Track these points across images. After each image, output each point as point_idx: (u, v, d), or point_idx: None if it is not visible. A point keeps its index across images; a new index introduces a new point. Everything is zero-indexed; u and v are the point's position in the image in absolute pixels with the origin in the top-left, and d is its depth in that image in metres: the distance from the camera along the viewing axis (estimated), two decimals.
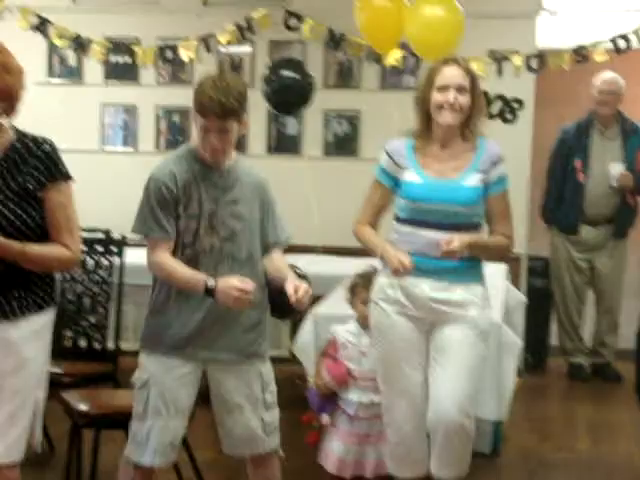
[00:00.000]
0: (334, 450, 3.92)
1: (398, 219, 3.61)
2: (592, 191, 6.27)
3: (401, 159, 3.59)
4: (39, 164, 2.97)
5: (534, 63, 6.49)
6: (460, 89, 3.48)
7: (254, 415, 3.44)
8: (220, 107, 3.21)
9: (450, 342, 3.53)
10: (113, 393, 4.39)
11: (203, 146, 3.30)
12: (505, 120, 6.57)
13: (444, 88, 3.48)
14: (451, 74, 3.50)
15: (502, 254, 3.72)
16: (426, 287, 3.52)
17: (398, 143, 3.62)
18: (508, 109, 6.56)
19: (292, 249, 6.23)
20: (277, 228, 3.51)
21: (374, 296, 3.63)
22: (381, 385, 3.66)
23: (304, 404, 4.09)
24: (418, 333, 3.58)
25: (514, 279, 5.99)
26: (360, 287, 3.91)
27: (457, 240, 3.40)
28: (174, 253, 3.32)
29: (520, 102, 6.56)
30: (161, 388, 3.34)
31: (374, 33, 5.78)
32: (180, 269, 3.29)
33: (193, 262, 3.30)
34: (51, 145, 3.01)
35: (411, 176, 3.56)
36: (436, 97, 3.49)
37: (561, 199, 6.39)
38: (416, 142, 3.59)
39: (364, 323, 3.84)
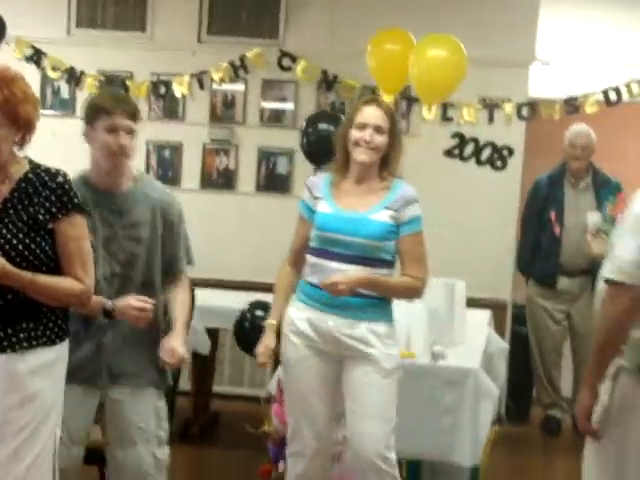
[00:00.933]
0: None
1: (308, 249, 3.68)
2: (568, 242, 6.22)
3: (317, 191, 3.68)
4: (51, 195, 2.95)
5: (525, 111, 6.53)
6: (378, 129, 3.58)
7: (146, 450, 3.40)
8: (127, 105, 3.34)
9: (357, 386, 3.59)
10: None
11: (107, 149, 3.26)
12: (494, 167, 6.58)
13: (362, 126, 3.59)
14: (370, 114, 3.60)
15: (409, 295, 3.73)
16: (331, 322, 3.58)
17: (318, 178, 3.78)
18: (498, 156, 6.58)
19: (249, 286, 6.27)
20: (184, 255, 3.51)
21: (285, 328, 3.68)
22: (287, 416, 3.71)
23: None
24: (328, 367, 3.63)
25: (498, 326, 5.96)
26: None
27: (344, 277, 3.46)
28: None
29: (510, 150, 6.58)
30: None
31: (384, 76, 5.81)
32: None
33: (96, 287, 3.16)
34: (64, 177, 2.99)
35: (323, 207, 3.65)
36: (354, 134, 3.60)
37: (537, 250, 6.35)
38: (335, 177, 3.68)
39: None
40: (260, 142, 6.84)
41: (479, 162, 6.56)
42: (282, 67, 6.71)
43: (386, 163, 3.65)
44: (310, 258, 3.67)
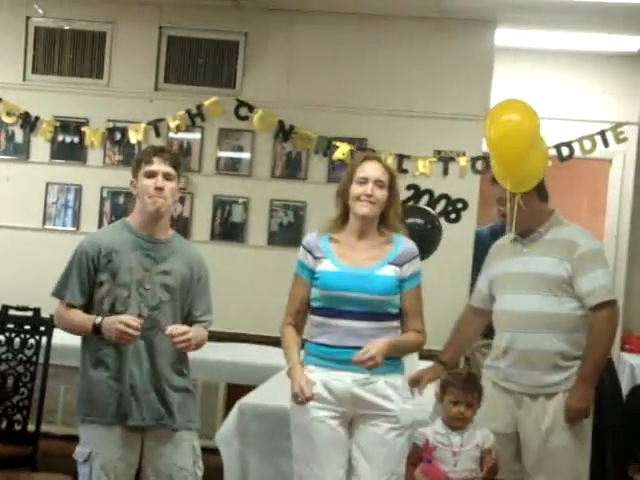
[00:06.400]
0: None
1: (313, 310, 3.64)
2: None
3: (318, 251, 3.66)
4: None
5: (479, 165, 6.59)
6: (379, 183, 3.60)
7: None
8: (164, 152, 3.62)
9: (373, 443, 3.54)
10: (30, 476, 4.31)
11: (146, 192, 3.50)
12: (448, 219, 6.63)
13: (363, 181, 3.60)
14: (371, 168, 3.63)
15: (416, 350, 3.81)
16: (348, 379, 3.52)
17: (315, 236, 3.71)
18: (452, 209, 6.63)
19: (230, 337, 6.25)
20: (204, 307, 3.67)
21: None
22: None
23: None
24: (339, 430, 3.55)
25: None
26: (453, 386, 3.82)
27: (373, 350, 3.41)
28: None
29: (464, 202, 6.64)
30: (103, 460, 3.41)
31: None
32: (75, 316, 3.48)
33: None
34: None
35: (327, 265, 3.62)
36: (355, 189, 3.61)
37: None
38: (333, 234, 3.67)
39: (452, 423, 3.78)
40: (216, 190, 6.83)
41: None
42: (239, 116, 6.73)
43: (385, 218, 3.66)
44: (316, 319, 3.62)
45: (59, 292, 3.53)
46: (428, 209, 6.54)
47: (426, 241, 6.06)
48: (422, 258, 3.74)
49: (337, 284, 3.56)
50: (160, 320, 3.49)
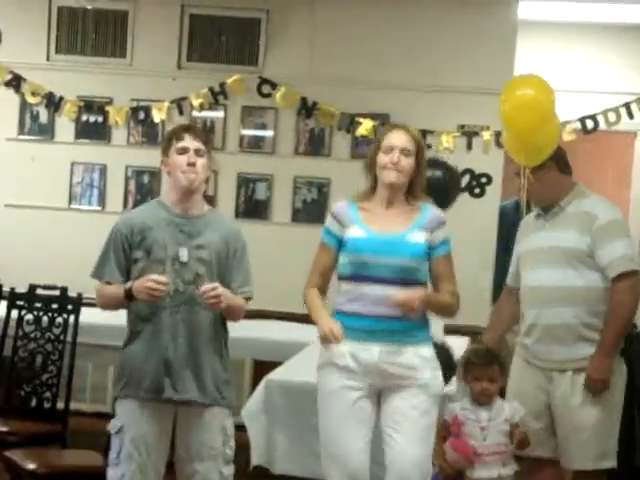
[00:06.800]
0: None
1: (341, 278, 3.63)
2: None
3: (346, 218, 3.65)
4: None
5: (503, 139, 6.55)
6: (405, 152, 3.59)
7: (214, 467, 3.54)
8: (194, 129, 3.70)
9: (403, 412, 3.52)
10: (60, 453, 4.34)
11: (179, 168, 3.54)
12: (473, 194, 6.62)
13: (389, 149, 3.60)
14: (397, 137, 3.63)
15: (450, 312, 3.73)
16: (376, 351, 3.52)
17: (342, 204, 3.70)
18: (476, 183, 6.61)
19: (255, 314, 6.27)
20: (242, 279, 3.67)
21: (320, 361, 3.61)
22: (321, 450, 3.61)
23: None
24: (364, 402, 3.55)
25: None
26: (473, 363, 3.88)
27: (412, 295, 3.44)
28: None
29: (488, 177, 6.62)
30: (134, 434, 3.47)
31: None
32: (110, 288, 3.54)
33: (157, 305, 3.47)
34: None
35: (356, 231, 3.61)
36: (382, 158, 3.60)
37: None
38: (361, 203, 3.67)
39: (478, 399, 3.82)
40: (239, 168, 6.85)
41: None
42: (262, 94, 6.73)
43: (412, 187, 3.66)
44: (345, 285, 3.61)
45: (98, 273, 3.58)
46: (447, 162, 6.44)
47: (444, 192, 6.00)
48: (443, 208, 3.76)
49: (367, 249, 3.55)
50: (196, 295, 3.49)
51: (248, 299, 3.69)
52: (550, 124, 4.05)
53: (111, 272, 3.54)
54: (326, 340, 3.48)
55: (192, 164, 3.53)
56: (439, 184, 6.09)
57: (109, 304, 3.60)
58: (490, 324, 4.35)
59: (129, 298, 3.47)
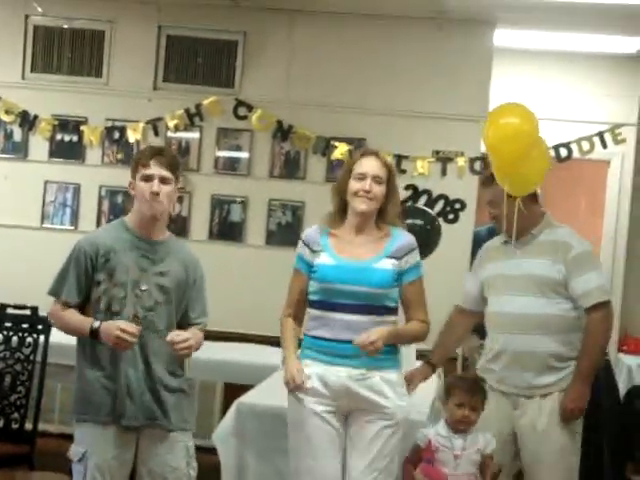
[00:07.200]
0: None
1: (310, 304, 3.65)
2: None
3: (315, 245, 3.67)
4: None
5: (478, 165, 6.60)
6: (377, 179, 3.60)
7: None
8: (161, 154, 3.57)
9: (367, 439, 3.55)
10: (28, 475, 4.30)
11: (142, 196, 3.49)
12: (447, 220, 6.64)
13: (361, 177, 3.60)
14: (369, 164, 3.63)
15: (420, 339, 3.77)
16: (343, 374, 3.54)
17: (314, 231, 3.72)
18: (450, 209, 6.64)
19: (227, 336, 6.24)
20: (200, 310, 3.67)
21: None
22: (293, 472, 3.61)
23: None
24: (334, 424, 3.56)
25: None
26: (458, 389, 3.84)
27: (374, 335, 3.45)
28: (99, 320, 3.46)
29: (462, 203, 6.64)
30: (98, 459, 3.41)
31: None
32: (72, 316, 3.47)
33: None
34: None
35: (324, 259, 3.63)
36: (353, 185, 3.61)
37: None
38: (331, 229, 3.68)
39: (456, 426, 3.79)
40: (214, 190, 6.84)
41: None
42: (238, 116, 6.74)
43: (383, 213, 3.66)
44: (313, 312, 3.63)
45: (56, 290, 3.53)
46: (427, 209, 6.55)
47: (425, 241, 6.06)
48: (421, 258, 3.75)
49: (334, 277, 3.57)
50: (155, 321, 3.49)
51: (203, 329, 3.68)
52: (536, 153, 4.05)
53: (69, 291, 3.49)
54: (288, 387, 3.55)
55: (156, 193, 3.48)
56: (420, 232, 6.15)
57: (67, 330, 3.54)
58: (437, 344, 4.31)
59: (93, 337, 3.41)
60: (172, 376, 3.56)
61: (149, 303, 3.49)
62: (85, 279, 3.48)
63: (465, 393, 3.80)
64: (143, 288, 3.49)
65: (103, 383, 3.46)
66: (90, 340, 3.46)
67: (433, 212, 6.53)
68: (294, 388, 3.54)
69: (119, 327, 3.32)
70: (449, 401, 3.85)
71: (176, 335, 3.41)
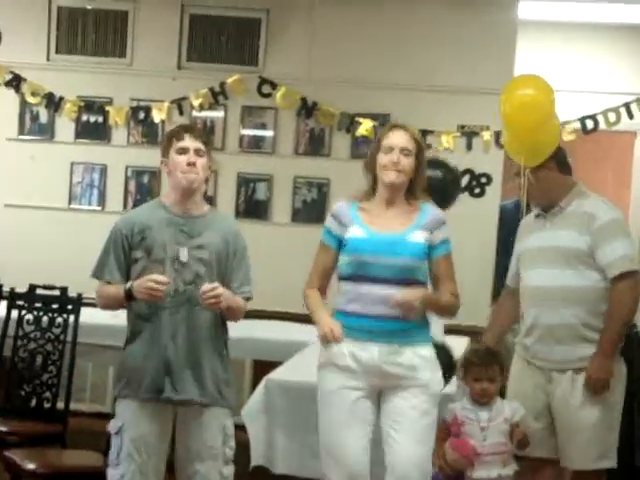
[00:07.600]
0: None
1: (341, 278, 3.63)
2: None
3: (346, 218, 3.65)
4: None
5: (503, 139, 6.54)
6: (405, 151, 3.59)
7: (214, 467, 3.55)
8: (194, 129, 3.71)
9: (403, 412, 3.53)
10: (60, 453, 4.34)
11: (179, 168, 3.54)
12: (473, 194, 6.61)
13: (389, 149, 3.60)
14: (397, 137, 3.62)
15: (451, 312, 3.73)
16: (375, 351, 3.53)
17: (342, 204, 3.70)
18: (476, 183, 6.61)
19: (255, 314, 6.27)
20: (241, 279, 3.67)
21: (321, 361, 3.61)
22: (321, 450, 3.61)
23: None
24: (364, 401, 3.55)
25: None
26: (473, 364, 3.87)
27: (413, 295, 3.44)
28: None
29: (488, 177, 6.62)
30: (134, 434, 3.47)
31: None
32: (109, 288, 3.55)
33: (157, 305, 3.48)
34: None
35: (355, 231, 3.61)
36: (382, 158, 3.61)
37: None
38: (361, 203, 3.67)
39: (478, 399, 3.82)
40: (239, 168, 6.85)
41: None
42: (262, 94, 6.74)
43: (412, 187, 3.65)
44: (344, 285, 3.61)
45: (98, 272, 3.58)
46: (446, 161, 6.42)
47: (444, 193, 5.99)
48: (442, 208, 3.75)
49: (366, 249, 3.55)
50: (196, 295, 3.50)
51: (248, 299, 3.68)
52: (550, 124, 4.05)
53: (111, 272, 3.55)
54: (326, 340, 3.49)
55: (192, 164, 3.53)
56: (439, 184, 6.08)
57: (109, 304, 3.60)
58: (490, 324, 4.35)
59: (129, 298, 3.48)
60: (213, 352, 3.58)
61: (189, 277, 3.53)
62: (124, 258, 3.54)
63: (479, 367, 3.83)
64: (183, 261, 3.53)
65: (143, 358, 3.51)
66: (133, 315, 3.54)
67: (453, 164, 6.39)
68: (333, 338, 3.46)
69: (150, 278, 3.39)
70: (467, 377, 3.88)
71: (205, 285, 3.44)
